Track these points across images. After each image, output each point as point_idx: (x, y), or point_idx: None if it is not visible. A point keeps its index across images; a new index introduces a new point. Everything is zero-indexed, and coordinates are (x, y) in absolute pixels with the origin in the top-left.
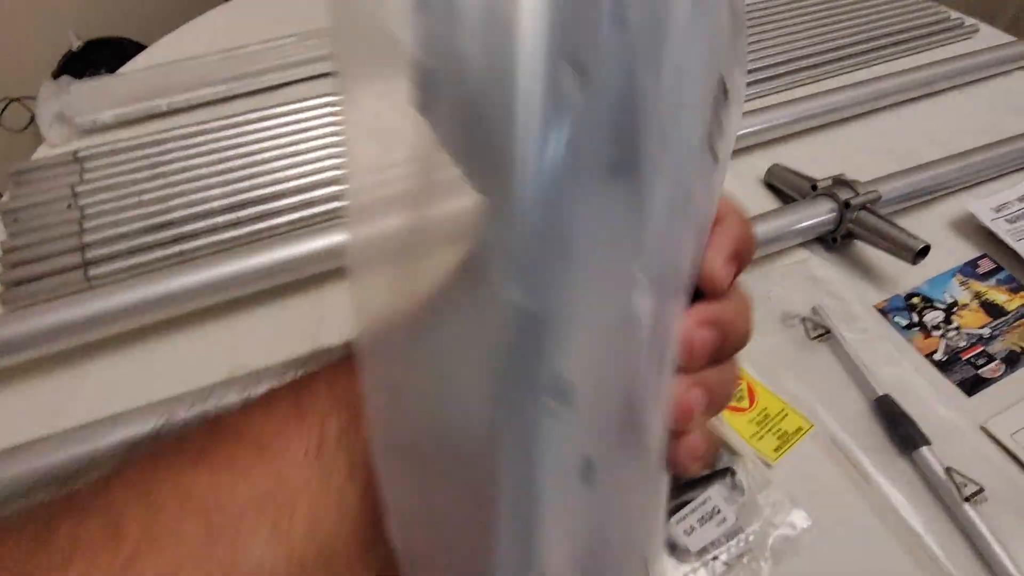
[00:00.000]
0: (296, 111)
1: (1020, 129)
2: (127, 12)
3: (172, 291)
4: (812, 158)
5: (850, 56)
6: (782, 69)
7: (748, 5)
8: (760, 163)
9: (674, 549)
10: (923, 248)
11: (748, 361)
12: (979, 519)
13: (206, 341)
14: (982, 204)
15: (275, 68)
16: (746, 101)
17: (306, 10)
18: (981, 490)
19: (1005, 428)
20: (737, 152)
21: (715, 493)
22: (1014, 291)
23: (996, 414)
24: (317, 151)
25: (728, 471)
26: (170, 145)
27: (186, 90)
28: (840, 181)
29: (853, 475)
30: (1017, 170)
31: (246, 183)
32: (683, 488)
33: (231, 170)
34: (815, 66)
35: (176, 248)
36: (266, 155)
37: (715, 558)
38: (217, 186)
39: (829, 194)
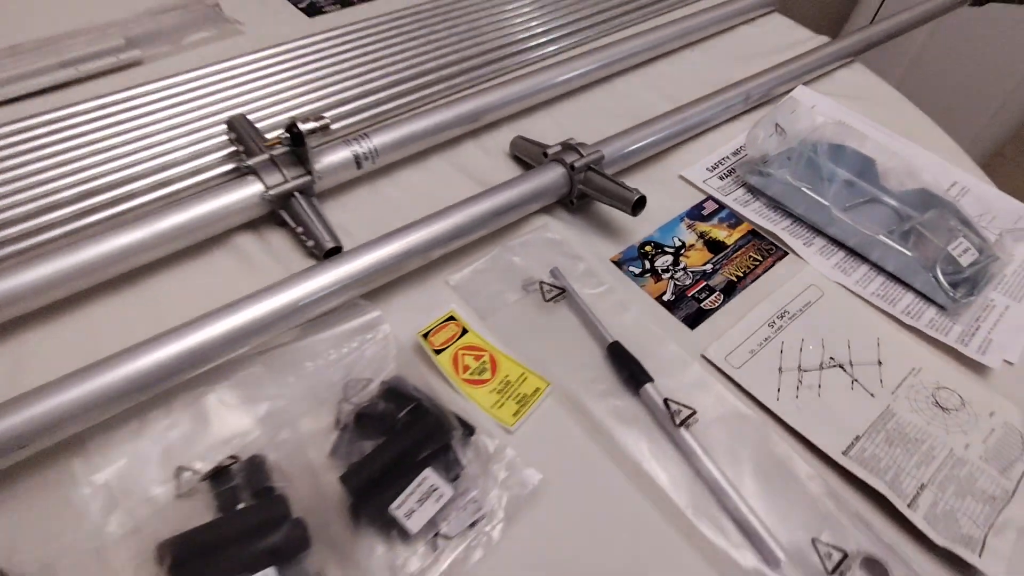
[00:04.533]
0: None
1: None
2: None
3: None
4: (558, 126)
5: (590, 27)
6: (524, 45)
7: None
8: (507, 137)
9: (401, 535)
10: (639, 199)
11: (493, 332)
12: (692, 439)
13: None
14: (694, 168)
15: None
16: (489, 78)
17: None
18: (693, 413)
19: (720, 353)
20: (486, 128)
21: (429, 473)
22: (732, 226)
23: (713, 341)
24: (14, 180)
25: (444, 447)
26: None
27: None
28: (568, 146)
29: (585, 424)
30: (735, 118)
31: None
32: (406, 472)
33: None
34: (557, 39)
35: None
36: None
37: (437, 534)
38: None
39: (558, 159)
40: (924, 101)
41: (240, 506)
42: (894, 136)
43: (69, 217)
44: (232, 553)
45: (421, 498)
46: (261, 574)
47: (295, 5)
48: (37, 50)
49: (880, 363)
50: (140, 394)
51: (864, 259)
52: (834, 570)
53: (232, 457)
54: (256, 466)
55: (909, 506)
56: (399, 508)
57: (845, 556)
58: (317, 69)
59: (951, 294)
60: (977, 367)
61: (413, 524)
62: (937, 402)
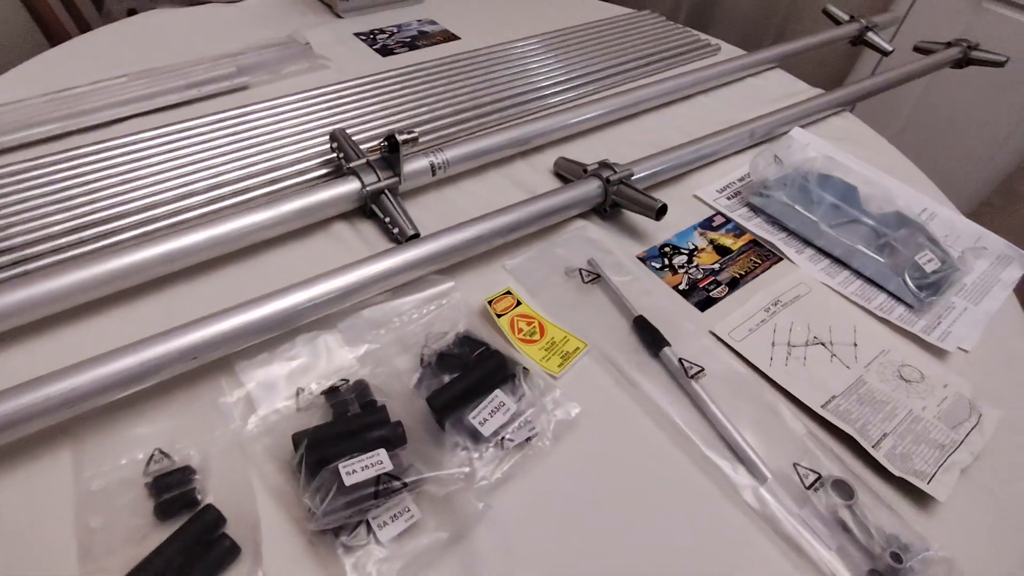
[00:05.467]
0: (134, 142)
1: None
2: None
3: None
4: (592, 151)
5: (628, 71)
6: (565, 86)
7: (551, 34)
8: (551, 158)
9: (475, 437)
10: (661, 207)
11: (540, 305)
12: (701, 390)
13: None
14: (707, 189)
15: (107, 106)
16: (536, 112)
17: (133, 50)
18: (702, 370)
19: (725, 329)
20: (533, 150)
21: (499, 392)
22: (737, 236)
23: (719, 320)
24: (160, 174)
25: (510, 376)
26: (4, 181)
27: (14, 131)
28: (604, 164)
29: (616, 376)
30: (742, 150)
31: (85, 207)
32: (478, 395)
33: (70, 198)
34: (602, 78)
35: (19, 269)
36: (106, 181)
37: (503, 439)
38: (56, 213)
39: (596, 174)
40: (919, 153)
41: (351, 413)
42: (874, 170)
43: (205, 201)
44: (350, 442)
45: (492, 411)
46: (374, 452)
47: (371, 47)
48: (168, 73)
49: (856, 344)
50: (272, 331)
51: (846, 266)
52: (810, 487)
53: (343, 380)
54: (362, 386)
55: (873, 447)
56: (475, 417)
57: (819, 477)
58: (391, 98)
59: (918, 295)
60: (937, 352)
61: (486, 429)
62: (902, 376)
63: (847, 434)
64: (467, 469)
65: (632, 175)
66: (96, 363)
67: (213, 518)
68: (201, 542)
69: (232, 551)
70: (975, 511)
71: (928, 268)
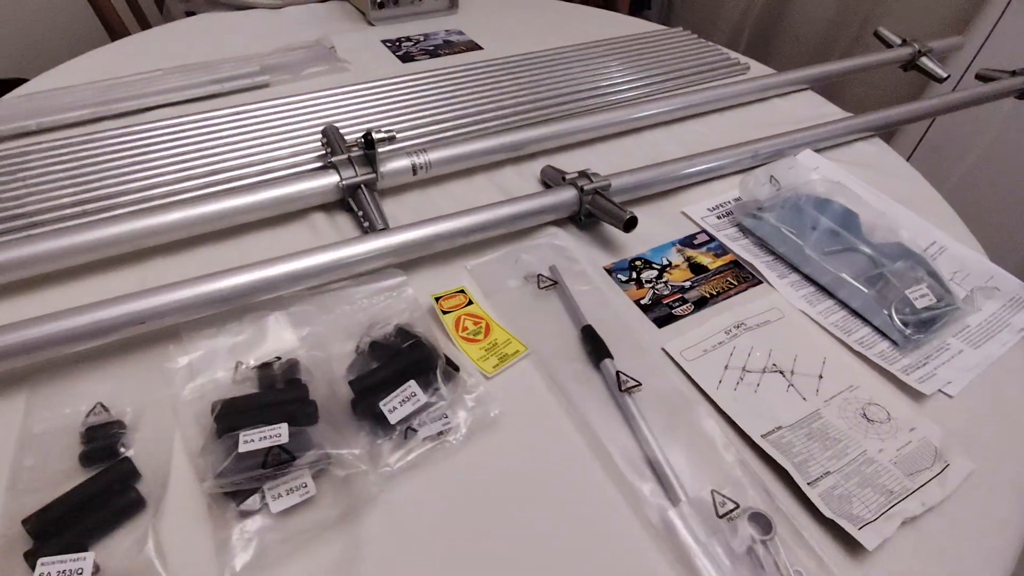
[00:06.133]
0: (151, 129)
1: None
2: (30, 57)
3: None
4: (586, 163)
5: (644, 86)
6: (569, 98)
7: (574, 47)
8: (541, 166)
9: (384, 423)
10: (630, 219)
11: (492, 307)
12: (632, 404)
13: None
14: (696, 207)
15: (138, 96)
16: (536, 120)
17: (179, 48)
18: (638, 384)
19: (677, 347)
20: (526, 157)
21: (412, 383)
22: (718, 256)
23: (675, 338)
24: (167, 159)
25: (430, 370)
26: (32, 156)
27: (55, 113)
28: (583, 174)
29: (549, 382)
30: (745, 171)
31: (95, 184)
32: (392, 387)
33: (84, 175)
34: (612, 92)
35: (24, 234)
36: (119, 163)
37: (410, 428)
38: (70, 187)
39: (572, 182)
40: (978, 204)
41: (276, 389)
42: (887, 200)
43: (200, 185)
44: (261, 413)
45: (403, 400)
46: (276, 426)
47: (394, 53)
48: (198, 69)
49: (821, 377)
50: (218, 306)
51: (832, 295)
52: (724, 515)
53: (277, 357)
54: (292, 365)
55: (809, 484)
56: (385, 405)
57: (736, 507)
58: (400, 100)
59: (903, 332)
60: (914, 394)
61: (393, 417)
62: (865, 414)
63: (785, 469)
64: (357, 451)
65: (609, 186)
66: (50, 319)
67: (127, 470)
68: (110, 491)
69: (136, 504)
70: (915, 567)
71: (919, 303)
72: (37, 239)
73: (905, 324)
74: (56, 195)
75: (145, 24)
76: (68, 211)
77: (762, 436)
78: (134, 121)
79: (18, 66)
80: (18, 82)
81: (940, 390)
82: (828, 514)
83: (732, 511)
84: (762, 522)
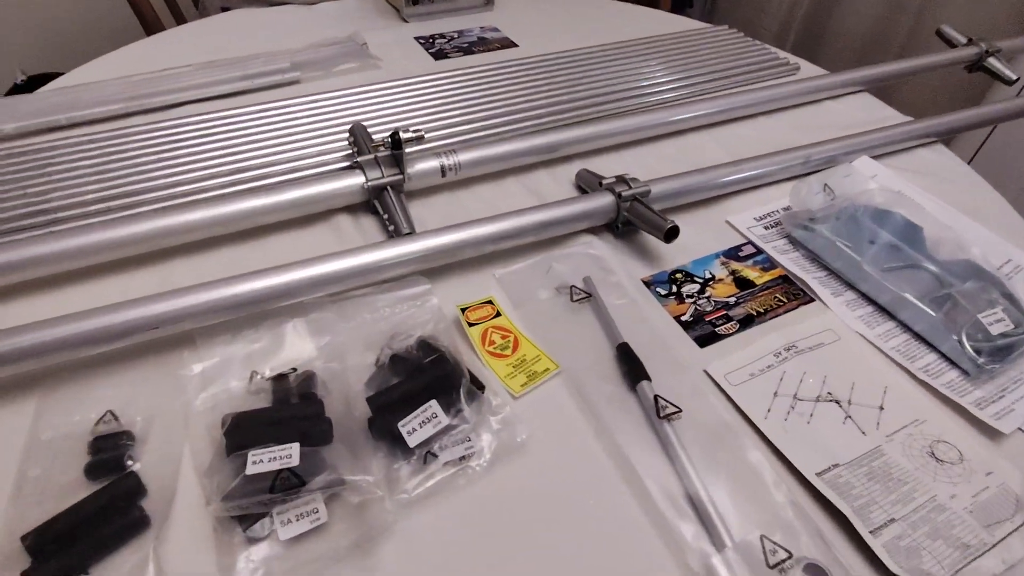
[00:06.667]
0: (178, 125)
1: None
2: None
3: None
4: (625, 167)
5: (686, 87)
6: (606, 98)
7: (614, 45)
8: (576, 170)
9: (403, 446)
10: (672, 228)
11: (521, 320)
12: (672, 432)
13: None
14: (742, 216)
15: (167, 91)
16: (571, 121)
17: (212, 44)
18: (678, 411)
19: (721, 370)
20: (560, 160)
21: (433, 403)
22: (766, 270)
23: (718, 359)
24: (192, 156)
25: (453, 389)
26: (59, 151)
27: (85, 108)
28: (621, 179)
29: (581, 404)
30: (795, 178)
31: (120, 181)
32: (419, 402)
33: (109, 171)
34: (652, 93)
35: (47, 230)
36: (145, 159)
37: (429, 452)
38: (95, 183)
39: (609, 188)
40: None
41: (291, 403)
42: (953, 212)
43: (225, 184)
44: (273, 430)
45: (423, 422)
46: (287, 446)
47: (427, 50)
48: (228, 65)
49: (882, 408)
50: (234, 312)
51: (893, 317)
52: (775, 566)
53: (293, 368)
54: (308, 378)
55: (872, 532)
56: (404, 426)
57: (789, 556)
58: (431, 98)
59: (975, 360)
60: (989, 431)
61: (413, 440)
62: (933, 453)
63: (844, 513)
64: (371, 478)
65: (649, 192)
66: (64, 322)
67: (132, 486)
68: (113, 508)
69: (140, 524)
70: None
71: (995, 330)
72: (59, 236)
73: (978, 352)
74: (81, 191)
75: (180, 19)
76: (92, 208)
77: (817, 474)
78: (162, 117)
79: (54, 61)
80: (53, 76)
81: (1020, 428)
82: (895, 569)
83: (784, 560)
84: (818, 574)
